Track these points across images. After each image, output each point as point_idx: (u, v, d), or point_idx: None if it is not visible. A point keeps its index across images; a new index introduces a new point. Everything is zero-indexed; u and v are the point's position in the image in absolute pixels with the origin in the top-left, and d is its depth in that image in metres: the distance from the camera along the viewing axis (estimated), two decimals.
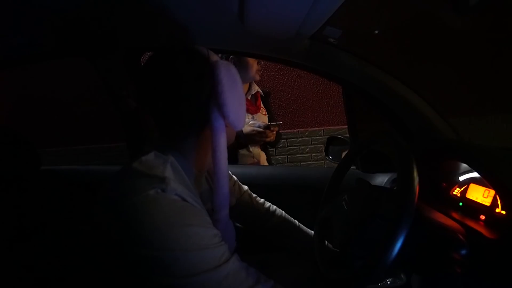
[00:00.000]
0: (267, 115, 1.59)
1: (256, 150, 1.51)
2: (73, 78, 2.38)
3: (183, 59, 0.56)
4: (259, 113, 1.55)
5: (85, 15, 0.65)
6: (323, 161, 2.80)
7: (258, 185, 0.98)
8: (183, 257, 0.45)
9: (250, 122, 1.41)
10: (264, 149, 1.59)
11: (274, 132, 1.41)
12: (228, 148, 0.61)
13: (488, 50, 2.28)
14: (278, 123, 1.41)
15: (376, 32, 0.89)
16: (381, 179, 1.02)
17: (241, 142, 1.38)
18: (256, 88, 1.59)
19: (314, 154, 2.80)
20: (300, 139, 2.76)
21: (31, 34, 0.71)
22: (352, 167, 0.82)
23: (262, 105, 1.59)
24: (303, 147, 2.78)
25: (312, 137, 2.78)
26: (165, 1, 0.60)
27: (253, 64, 1.41)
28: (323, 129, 2.77)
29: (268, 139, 1.39)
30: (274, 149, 2.61)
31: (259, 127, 1.36)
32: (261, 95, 1.61)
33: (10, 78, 2.54)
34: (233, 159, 1.44)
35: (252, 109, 1.52)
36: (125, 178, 0.53)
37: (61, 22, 0.66)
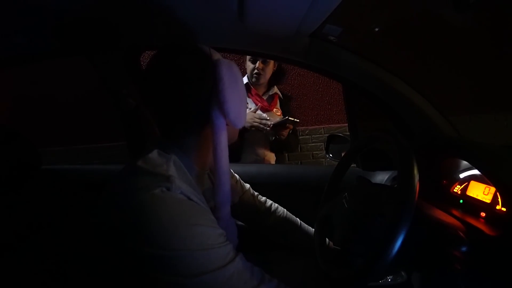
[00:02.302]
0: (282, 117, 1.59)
1: (262, 151, 1.52)
2: (73, 78, 2.38)
3: (185, 57, 0.57)
4: (272, 112, 1.57)
5: (85, 14, 0.65)
6: (323, 159, 2.79)
7: (259, 184, 0.98)
8: (188, 257, 0.45)
9: (259, 114, 1.42)
10: (279, 152, 1.60)
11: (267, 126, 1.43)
12: (229, 147, 0.61)
13: (489, 48, 2.27)
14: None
15: (376, 29, 0.89)
16: (382, 177, 1.02)
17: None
18: (275, 90, 1.60)
19: (314, 152, 2.79)
20: (300, 137, 2.75)
21: (32, 34, 0.71)
22: (352, 165, 0.82)
23: (278, 107, 1.62)
24: (303, 145, 2.78)
25: (313, 135, 2.77)
26: None
27: None
28: (323, 127, 2.76)
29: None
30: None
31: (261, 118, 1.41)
32: (279, 97, 1.62)
33: (10, 77, 2.54)
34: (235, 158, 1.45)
35: (260, 104, 1.54)
36: (130, 176, 0.53)
37: (62, 21, 0.66)
